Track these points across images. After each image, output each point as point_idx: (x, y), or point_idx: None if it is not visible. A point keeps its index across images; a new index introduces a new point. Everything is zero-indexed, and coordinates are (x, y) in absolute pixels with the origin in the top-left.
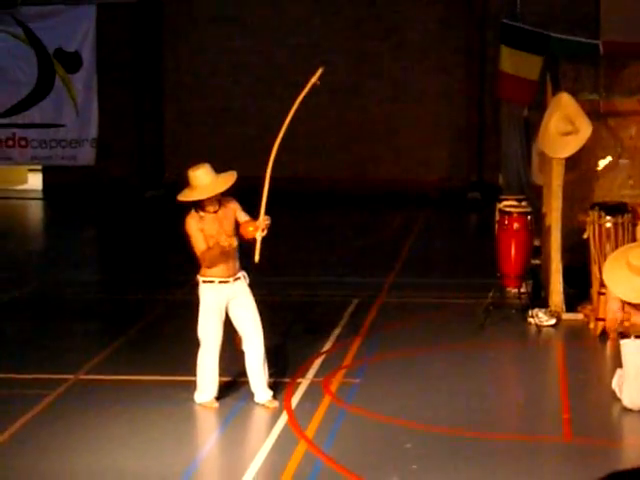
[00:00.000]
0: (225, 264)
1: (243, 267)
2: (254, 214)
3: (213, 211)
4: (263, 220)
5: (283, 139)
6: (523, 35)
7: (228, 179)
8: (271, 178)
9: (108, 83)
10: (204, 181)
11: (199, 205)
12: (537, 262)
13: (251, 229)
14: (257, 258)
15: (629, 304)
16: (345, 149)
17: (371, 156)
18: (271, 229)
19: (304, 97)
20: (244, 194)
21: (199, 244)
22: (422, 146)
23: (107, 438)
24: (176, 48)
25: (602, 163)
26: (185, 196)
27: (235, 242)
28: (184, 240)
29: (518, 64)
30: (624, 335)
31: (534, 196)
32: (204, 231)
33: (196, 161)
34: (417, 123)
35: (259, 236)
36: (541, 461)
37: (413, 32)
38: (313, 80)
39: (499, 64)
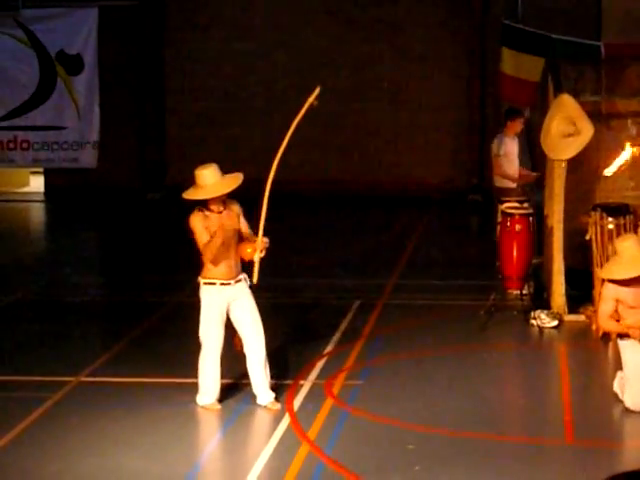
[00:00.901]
0: (227, 266)
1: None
2: (252, 218)
3: (217, 211)
4: (262, 242)
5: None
6: (524, 37)
7: (234, 181)
8: (269, 197)
9: (110, 86)
10: (211, 181)
11: (204, 205)
12: (538, 261)
13: (249, 250)
14: (255, 279)
15: (622, 305)
16: (345, 151)
17: (372, 158)
18: (269, 249)
19: (303, 117)
20: (245, 197)
21: (204, 238)
22: (423, 148)
23: (109, 440)
24: (178, 50)
25: (608, 171)
26: (191, 194)
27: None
28: (186, 242)
29: (519, 66)
30: (623, 336)
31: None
32: (209, 229)
33: (198, 163)
34: (418, 125)
35: (257, 258)
36: (543, 463)
37: (414, 34)
38: (310, 100)
39: (500, 66)
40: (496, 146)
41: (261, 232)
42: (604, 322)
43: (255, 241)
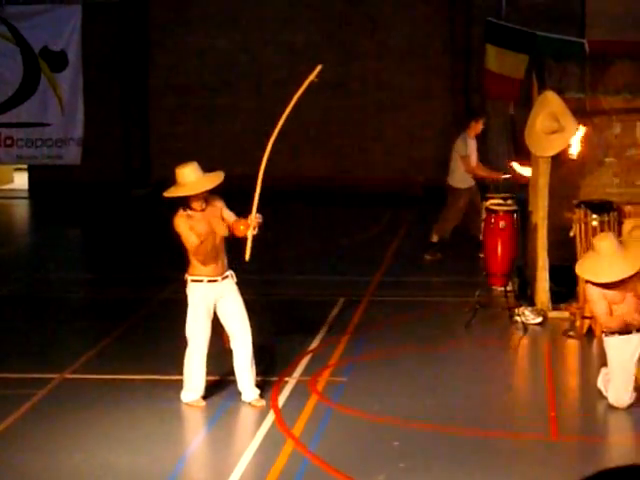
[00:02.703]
0: (214, 263)
1: (232, 267)
2: (243, 213)
3: (200, 209)
4: (255, 218)
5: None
6: (508, 33)
7: (215, 178)
8: (264, 176)
9: (94, 82)
10: (191, 178)
11: (186, 203)
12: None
13: (242, 227)
14: (248, 256)
15: (610, 298)
16: (330, 147)
17: (356, 154)
18: (265, 224)
19: (301, 95)
20: (231, 193)
21: (191, 240)
22: (408, 145)
23: (95, 436)
24: (162, 46)
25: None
26: (172, 192)
27: (226, 232)
28: (171, 238)
29: (503, 62)
30: (608, 332)
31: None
32: (194, 229)
33: (183, 160)
34: (403, 122)
35: (250, 234)
36: (528, 459)
37: (399, 30)
38: (311, 77)
39: (484, 62)
40: (462, 146)
41: (255, 208)
42: (607, 321)
43: (248, 218)
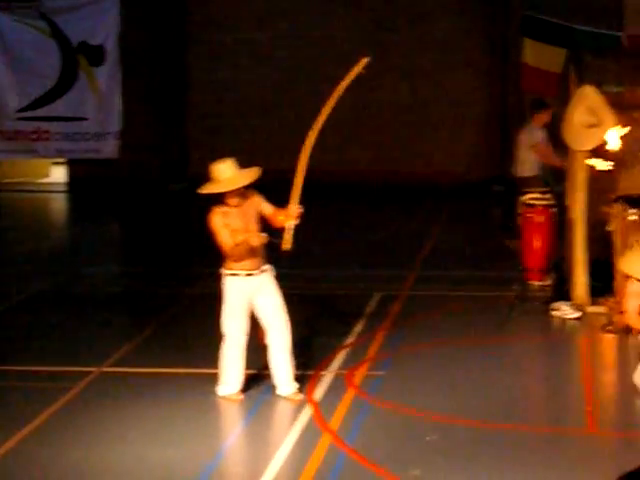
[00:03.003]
0: (251, 257)
1: (270, 261)
2: (283, 205)
3: (236, 205)
4: (295, 208)
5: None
6: (546, 27)
7: (251, 174)
8: (305, 168)
9: (132, 76)
10: (227, 175)
11: (222, 200)
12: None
13: (282, 217)
14: (286, 246)
15: None
16: (366, 142)
17: (393, 149)
18: (303, 218)
19: (344, 88)
20: (268, 188)
21: (226, 240)
22: (445, 138)
23: (131, 430)
24: (200, 40)
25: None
26: (207, 189)
27: (265, 238)
28: (208, 233)
29: (541, 56)
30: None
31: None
32: (229, 226)
33: (220, 155)
34: (440, 115)
35: (290, 224)
36: (564, 453)
37: (436, 25)
38: (357, 69)
39: (522, 56)
40: (529, 136)
41: (296, 199)
42: (634, 321)
43: (288, 209)
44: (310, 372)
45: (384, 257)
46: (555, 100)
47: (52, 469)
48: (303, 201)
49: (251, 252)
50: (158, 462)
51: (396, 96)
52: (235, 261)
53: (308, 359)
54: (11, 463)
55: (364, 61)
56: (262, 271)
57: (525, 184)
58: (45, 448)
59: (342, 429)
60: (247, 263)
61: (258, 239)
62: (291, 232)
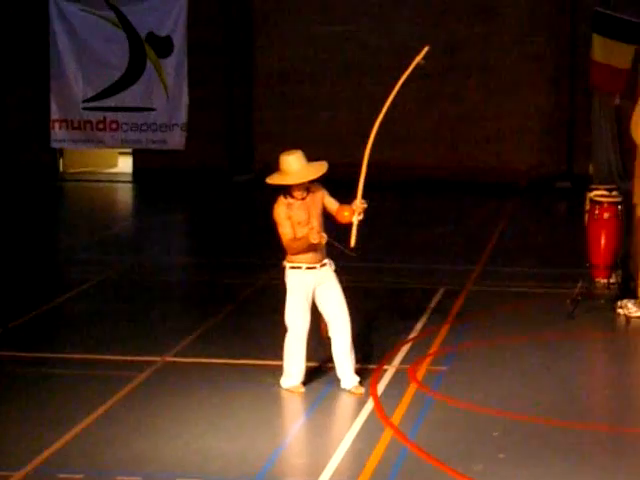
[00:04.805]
0: (312, 250)
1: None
2: (346, 202)
3: (301, 198)
4: (360, 203)
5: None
6: (615, 24)
7: (319, 167)
8: (369, 161)
9: (198, 67)
10: (295, 167)
11: (287, 191)
12: None
13: (347, 213)
14: (353, 242)
15: None
16: (434, 136)
17: (460, 143)
18: (367, 213)
19: (407, 78)
20: (333, 182)
21: (286, 232)
22: (512, 134)
23: (194, 420)
24: (267, 33)
25: None
26: (275, 180)
27: (325, 238)
28: (272, 225)
29: (610, 53)
30: None
31: None
32: (292, 218)
33: (286, 147)
34: (507, 111)
35: (355, 220)
36: (629, 452)
37: (505, 20)
38: (418, 59)
39: (591, 53)
40: None
41: (360, 194)
42: None
43: (353, 204)
44: (372, 366)
45: (449, 252)
46: (623, 96)
47: (114, 457)
48: (373, 195)
49: (311, 246)
50: (220, 453)
51: (464, 91)
52: (294, 255)
53: (371, 353)
54: (72, 453)
55: (425, 50)
56: (322, 265)
57: None
58: (109, 436)
59: (404, 423)
60: (308, 256)
61: (318, 237)
62: (357, 228)
